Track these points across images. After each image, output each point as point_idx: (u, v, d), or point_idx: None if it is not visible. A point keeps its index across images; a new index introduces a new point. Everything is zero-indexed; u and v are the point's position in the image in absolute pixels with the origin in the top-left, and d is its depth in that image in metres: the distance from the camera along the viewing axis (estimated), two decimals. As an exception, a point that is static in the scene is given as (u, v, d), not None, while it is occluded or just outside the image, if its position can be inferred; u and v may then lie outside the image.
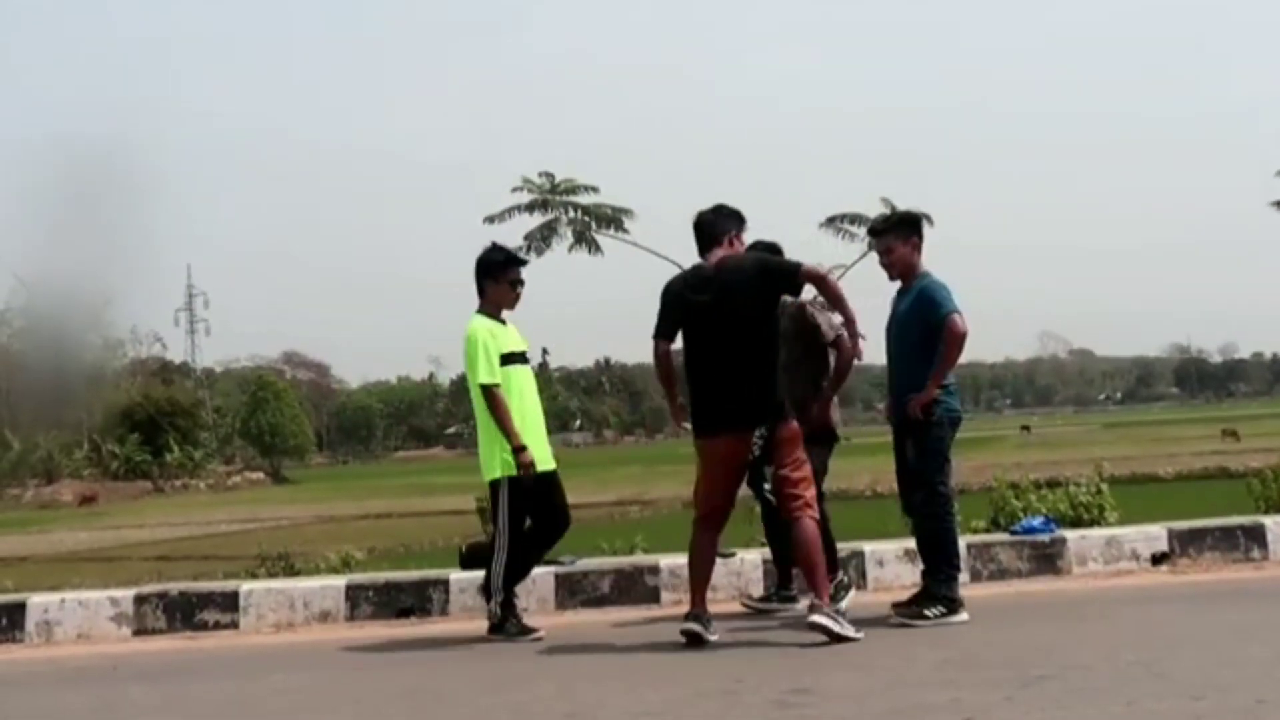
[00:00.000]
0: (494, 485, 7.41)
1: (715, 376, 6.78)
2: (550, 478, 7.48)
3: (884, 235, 7.43)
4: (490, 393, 7.31)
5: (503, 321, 7.59)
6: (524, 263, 7.83)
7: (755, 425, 6.66)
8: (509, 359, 7.45)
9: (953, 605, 6.92)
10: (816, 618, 6.43)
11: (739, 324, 6.73)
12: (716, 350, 6.77)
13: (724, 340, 6.74)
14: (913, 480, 7.20)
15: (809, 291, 7.27)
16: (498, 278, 7.58)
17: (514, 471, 7.27)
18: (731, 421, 6.73)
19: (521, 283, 7.63)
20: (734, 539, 8.74)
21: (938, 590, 6.98)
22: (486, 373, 7.33)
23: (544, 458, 7.44)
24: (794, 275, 6.84)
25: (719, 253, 6.96)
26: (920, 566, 7.29)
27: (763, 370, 6.72)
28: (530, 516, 7.43)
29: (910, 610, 6.94)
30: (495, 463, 7.35)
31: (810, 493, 6.75)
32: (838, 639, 6.35)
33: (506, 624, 7.30)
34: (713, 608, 7.77)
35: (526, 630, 7.27)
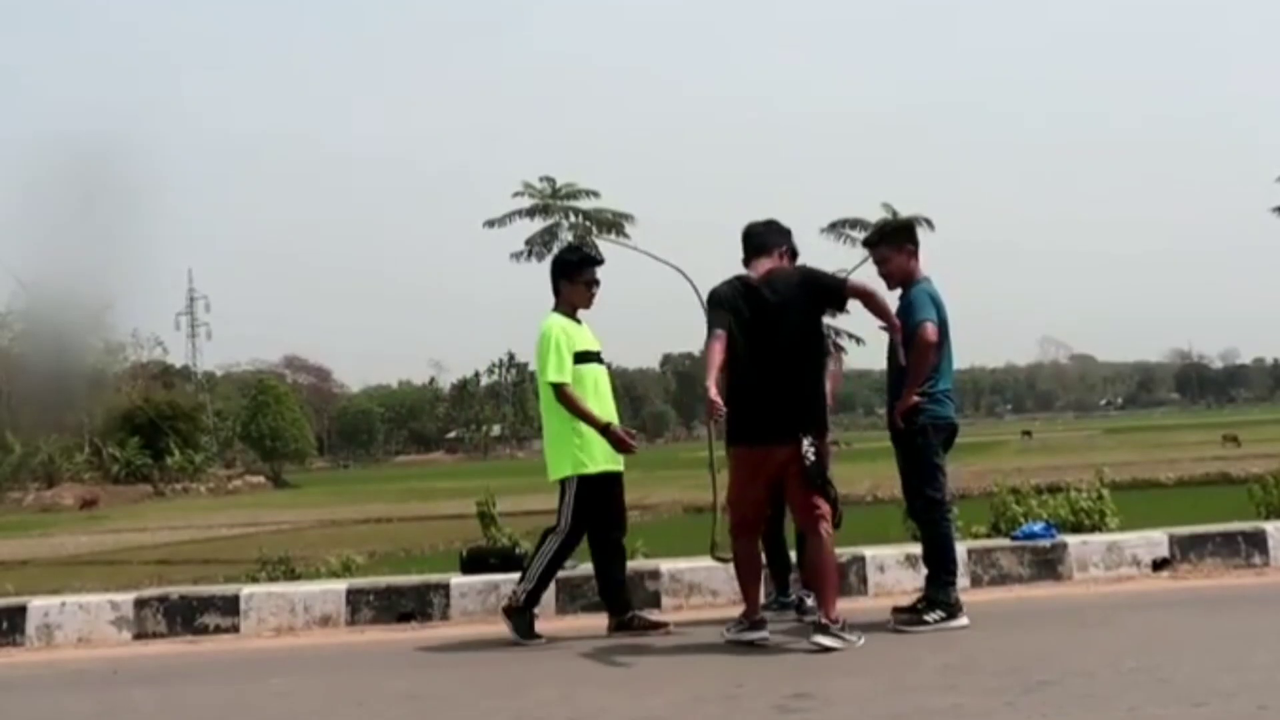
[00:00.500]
0: (563, 484, 7.46)
1: (760, 387, 6.77)
2: (616, 480, 7.53)
3: (877, 246, 7.51)
4: (560, 390, 7.37)
5: (578, 321, 7.65)
6: (599, 262, 7.87)
7: (798, 435, 6.67)
8: (583, 357, 7.52)
9: (951, 610, 6.94)
10: (818, 637, 6.45)
11: (787, 336, 6.76)
12: (763, 361, 6.77)
13: (771, 352, 6.75)
14: (905, 487, 7.24)
15: None
16: (573, 278, 7.66)
17: (584, 470, 7.35)
18: (773, 433, 6.74)
19: (597, 283, 7.70)
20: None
21: (936, 595, 6.99)
22: (555, 370, 7.38)
23: (613, 459, 7.47)
24: (839, 290, 6.89)
25: (766, 264, 7.00)
26: (924, 571, 7.29)
27: (809, 383, 6.77)
28: (591, 517, 7.46)
29: (910, 616, 6.94)
30: (565, 461, 7.41)
31: (826, 506, 6.76)
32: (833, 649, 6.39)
33: (522, 615, 7.32)
34: (715, 612, 7.81)
35: (532, 634, 7.28)
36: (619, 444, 7.36)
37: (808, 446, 6.65)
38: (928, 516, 7.12)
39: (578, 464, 7.36)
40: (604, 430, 7.32)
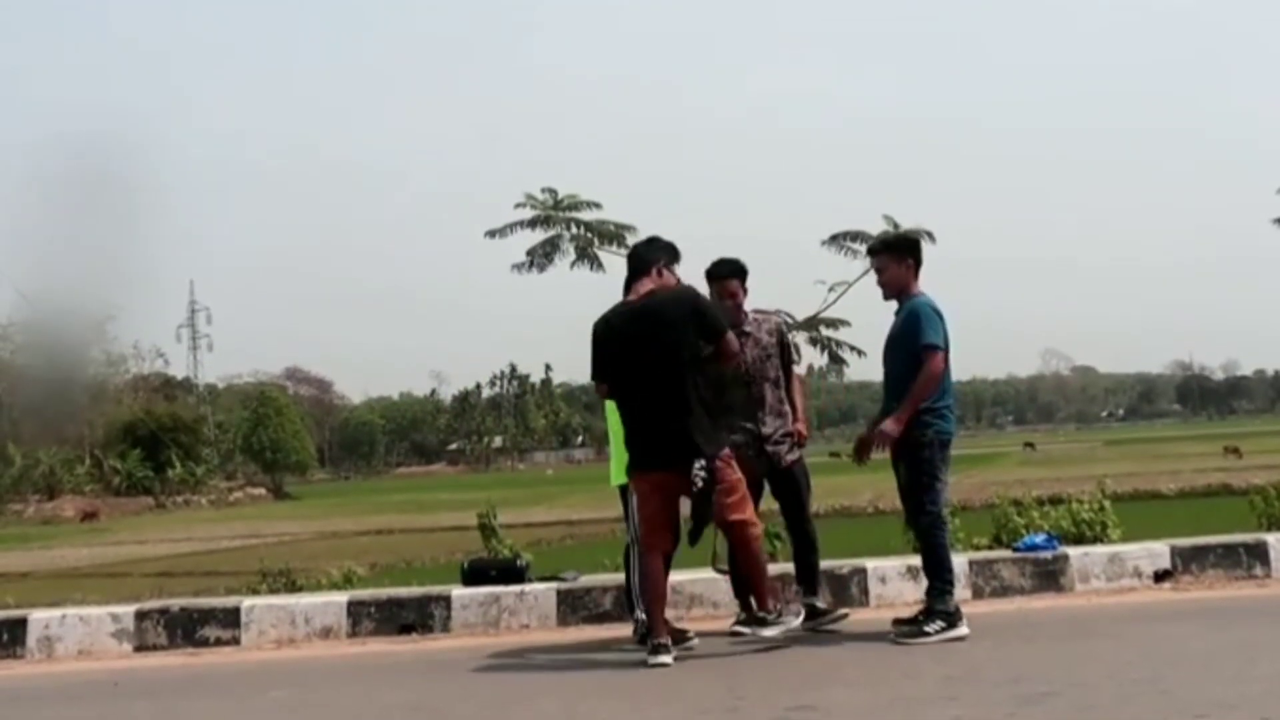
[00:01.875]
0: (623, 490, 7.46)
1: (644, 411, 6.84)
2: None
3: (879, 255, 7.57)
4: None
5: None
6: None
7: (689, 460, 6.67)
8: None
9: (952, 619, 6.94)
10: (761, 630, 6.64)
11: (662, 359, 6.76)
12: (644, 384, 6.82)
13: (648, 376, 6.79)
14: (905, 499, 7.27)
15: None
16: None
17: None
18: (661, 458, 6.78)
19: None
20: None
21: (935, 605, 7.01)
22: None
23: None
24: (717, 336, 6.85)
25: (646, 284, 7.00)
26: (925, 583, 7.30)
27: (691, 403, 6.75)
28: None
29: (911, 628, 6.94)
30: (622, 468, 7.31)
31: (748, 511, 6.80)
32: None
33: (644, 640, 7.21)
34: (717, 624, 7.79)
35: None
36: None
37: (697, 470, 6.66)
38: (928, 529, 7.13)
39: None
40: None
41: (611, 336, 6.92)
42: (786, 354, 7.75)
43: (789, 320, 10.62)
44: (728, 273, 7.61)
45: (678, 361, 6.75)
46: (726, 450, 6.84)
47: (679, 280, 7.18)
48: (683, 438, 6.70)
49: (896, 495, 7.47)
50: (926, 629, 6.88)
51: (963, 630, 6.89)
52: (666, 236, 7.30)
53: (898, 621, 7.09)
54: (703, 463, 6.64)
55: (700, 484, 6.64)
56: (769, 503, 7.85)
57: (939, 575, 7.09)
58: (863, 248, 12.26)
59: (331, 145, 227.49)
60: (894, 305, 7.41)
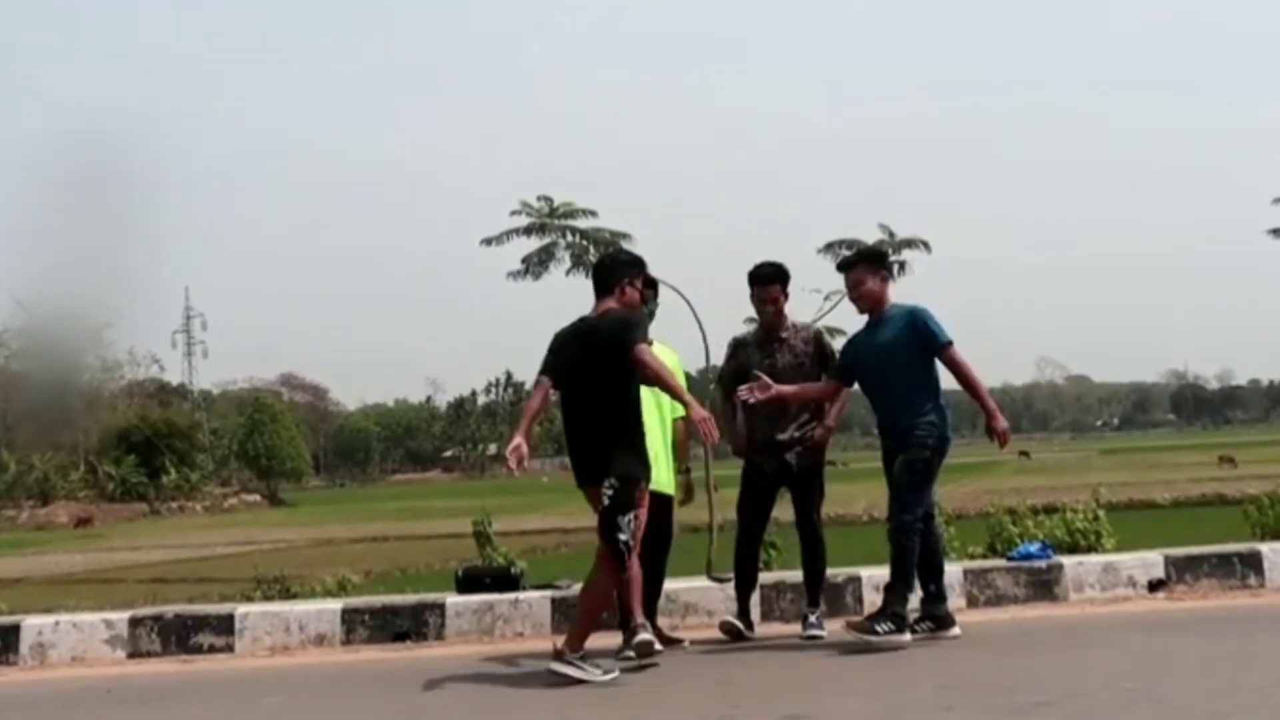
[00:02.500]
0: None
1: (578, 428, 6.93)
2: (663, 502, 7.46)
3: (854, 268, 7.56)
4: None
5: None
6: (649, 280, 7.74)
7: (601, 479, 6.74)
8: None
9: (901, 624, 6.99)
10: (553, 665, 6.56)
11: (599, 379, 6.82)
12: (577, 404, 6.93)
13: (588, 393, 6.86)
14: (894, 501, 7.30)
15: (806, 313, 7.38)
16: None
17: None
18: (585, 475, 6.90)
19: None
20: (729, 564, 8.72)
21: (892, 608, 7.04)
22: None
23: (663, 480, 7.42)
24: (627, 348, 6.80)
25: (606, 302, 7.03)
26: (919, 592, 7.31)
27: (616, 425, 6.80)
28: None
29: (863, 624, 7.04)
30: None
31: (611, 551, 6.74)
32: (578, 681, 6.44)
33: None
34: (712, 632, 7.81)
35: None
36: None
37: (605, 488, 6.72)
38: (906, 531, 7.15)
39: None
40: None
41: (563, 349, 6.95)
42: (827, 362, 7.76)
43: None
44: (768, 277, 7.66)
45: (609, 383, 6.80)
46: (643, 482, 6.84)
47: (642, 296, 7.24)
48: (602, 457, 6.78)
49: (886, 508, 7.49)
50: (876, 628, 6.95)
51: (906, 638, 6.96)
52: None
53: (850, 622, 7.18)
54: (612, 481, 6.69)
55: (607, 501, 6.70)
56: (781, 510, 7.90)
57: (904, 579, 7.13)
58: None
59: (327, 148, 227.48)
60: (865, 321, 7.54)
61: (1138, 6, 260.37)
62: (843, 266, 7.68)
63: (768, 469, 7.68)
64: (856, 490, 27.62)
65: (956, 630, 7.23)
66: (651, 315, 7.67)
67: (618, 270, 7.16)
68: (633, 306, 7.10)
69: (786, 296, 7.73)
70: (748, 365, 7.67)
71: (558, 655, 6.57)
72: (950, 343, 7.30)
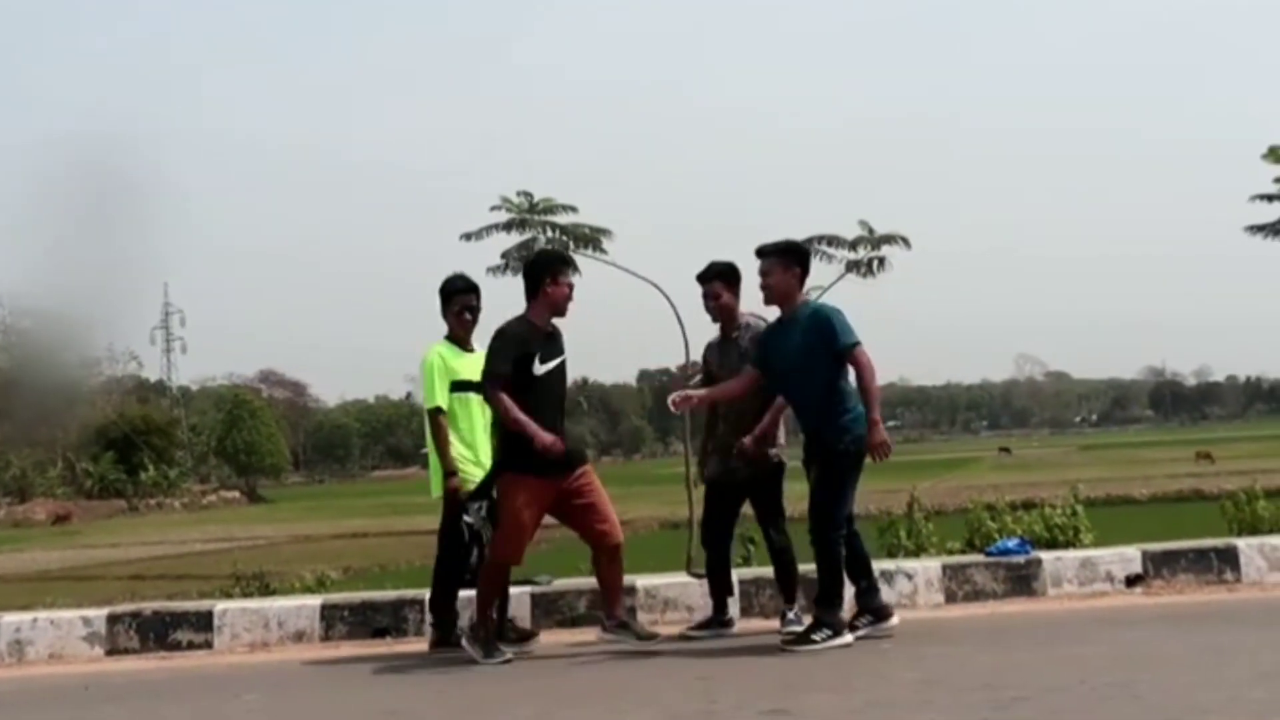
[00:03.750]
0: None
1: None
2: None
3: (766, 258, 7.32)
4: (432, 416, 7.58)
5: (468, 349, 7.69)
6: (473, 289, 7.87)
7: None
8: (462, 386, 7.59)
9: (837, 629, 6.97)
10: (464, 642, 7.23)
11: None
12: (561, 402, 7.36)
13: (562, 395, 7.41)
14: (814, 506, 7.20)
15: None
16: (447, 306, 7.75)
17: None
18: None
19: (471, 309, 7.75)
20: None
21: (824, 618, 6.99)
22: (429, 398, 7.59)
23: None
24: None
25: (534, 307, 7.26)
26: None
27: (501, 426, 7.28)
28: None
29: (799, 639, 6.98)
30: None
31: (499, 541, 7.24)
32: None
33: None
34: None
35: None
36: (450, 491, 7.58)
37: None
38: (830, 540, 7.05)
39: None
40: (446, 475, 7.57)
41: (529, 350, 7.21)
42: None
43: (763, 321, 10.64)
44: (705, 275, 7.63)
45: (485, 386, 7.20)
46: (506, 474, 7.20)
47: (570, 289, 7.36)
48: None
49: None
50: (814, 638, 6.91)
51: (848, 639, 6.96)
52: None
53: (784, 636, 7.15)
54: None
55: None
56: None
57: (833, 588, 7.04)
58: (836, 252, 12.25)
59: (310, 143, 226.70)
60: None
61: (1111, 8, 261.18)
62: (758, 253, 7.45)
63: (739, 476, 7.62)
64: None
65: (895, 620, 7.26)
66: (469, 310, 7.76)
67: (535, 272, 7.32)
68: (556, 304, 7.25)
69: (734, 294, 7.63)
70: (711, 368, 7.71)
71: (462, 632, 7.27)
72: (855, 344, 7.00)
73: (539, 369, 7.11)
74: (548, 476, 7.08)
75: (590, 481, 7.28)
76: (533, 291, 7.23)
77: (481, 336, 7.63)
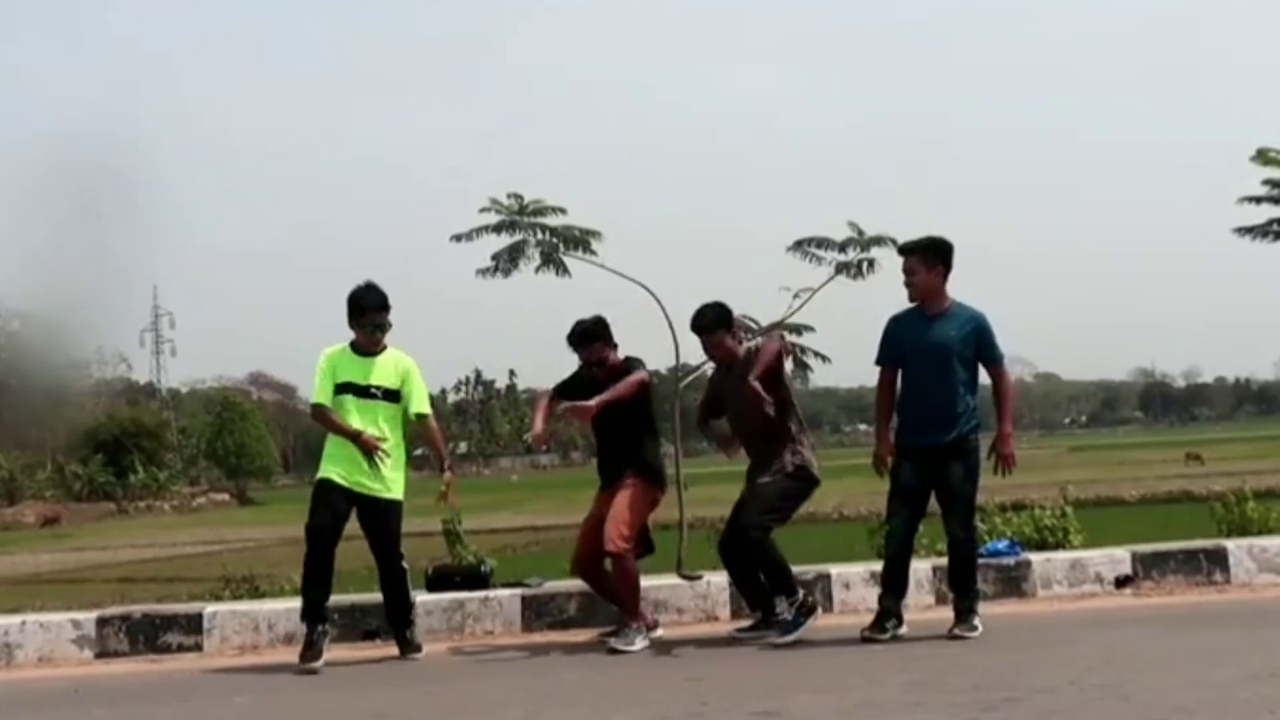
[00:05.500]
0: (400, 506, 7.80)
1: None
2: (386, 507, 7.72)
3: (910, 255, 7.46)
4: (313, 411, 7.76)
5: (370, 354, 7.66)
6: (382, 308, 7.73)
7: None
8: (345, 389, 7.62)
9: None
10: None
11: None
12: None
13: None
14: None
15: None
16: (354, 321, 7.69)
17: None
18: None
19: (379, 326, 7.68)
20: (699, 562, 8.75)
21: (972, 604, 7.32)
22: (314, 395, 7.73)
23: (379, 486, 7.65)
24: None
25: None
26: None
27: None
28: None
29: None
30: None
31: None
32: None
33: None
34: (682, 630, 7.83)
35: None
36: (366, 449, 7.55)
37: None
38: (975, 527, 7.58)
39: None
40: (353, 437, 7.57)
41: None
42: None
43: (753, 324, 10.63)
44: (706, 327, 7.74)
45: None
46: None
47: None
48: None
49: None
50: (975, 623, 7.17)
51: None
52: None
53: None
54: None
55: None
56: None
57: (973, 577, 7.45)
58: (826, 254, 12.23)
59: (297, 143, 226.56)
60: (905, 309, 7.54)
61: (1099, 9, 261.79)
62: (901, 250, 7.61)
63: None
64: (825, 488, 27.71)
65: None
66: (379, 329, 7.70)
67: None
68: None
69: (735, 337, 7.74)
70: (719, 391, 7.86)
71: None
72: (1003, 358, 7.50)
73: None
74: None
75: (616, 493, 7.55)
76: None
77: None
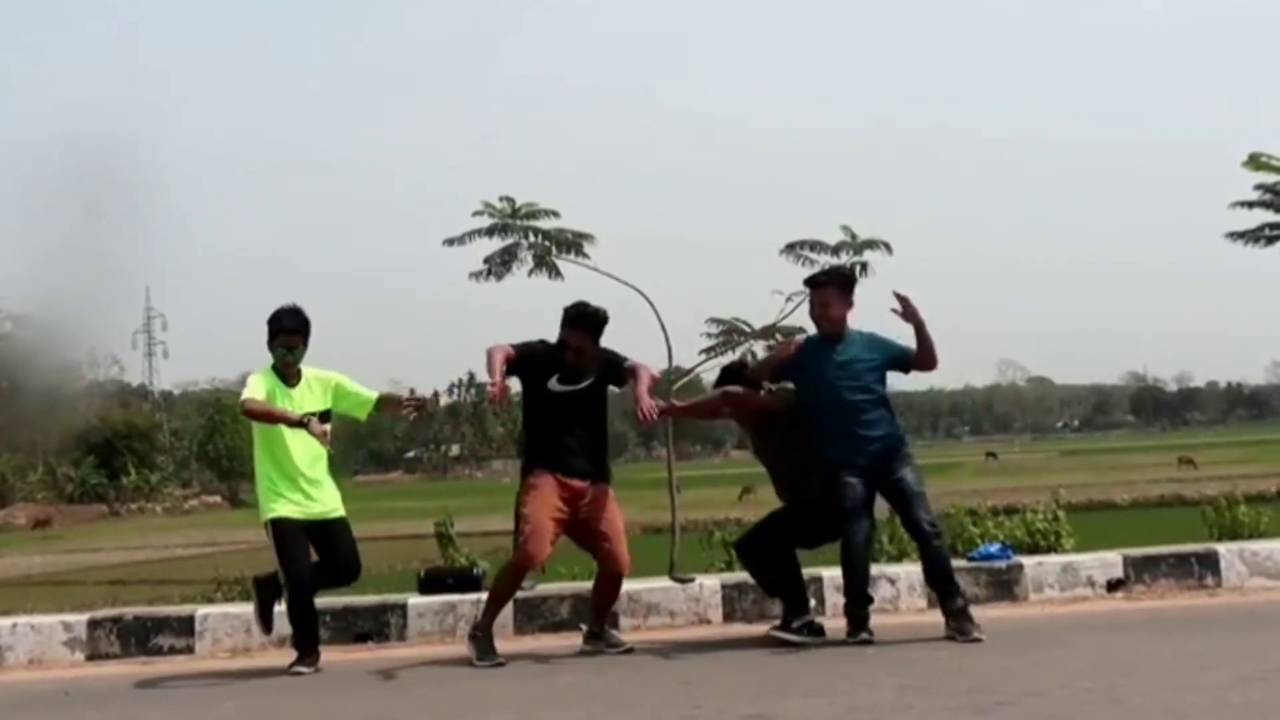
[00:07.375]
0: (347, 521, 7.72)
1: None
2: (339, 526, 7.62)
3: (824, 288, 7.62)
4: (247, 410, 7.39)
5: (290, 380, 7.53)
6: (288, 331, 7.59)
7: None
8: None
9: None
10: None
11: None
12: None
13: None
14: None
15: None
16: (270, 343, 7.58)
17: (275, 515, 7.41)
18: None
19: (289, 350, 7.54)
20: (692, 564, 8.76)
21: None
22: (247, 393, 7.43)
23: (330, 508, 7.59)
24: None
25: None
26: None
27: None
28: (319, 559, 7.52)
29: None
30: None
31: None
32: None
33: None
34: (674, 633, 7.82)
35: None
36: (315, 434, 7.26)
37: None
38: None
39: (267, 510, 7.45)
40: (299, 424, 7.22)
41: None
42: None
43: (746, 327, 10.66)
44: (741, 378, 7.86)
45: None
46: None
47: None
48: None
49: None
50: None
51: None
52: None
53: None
54: None
55: None
56: (745, 511, 7.87)
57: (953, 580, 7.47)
58: (818, 257, 12.26)
59: (292, 144, 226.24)
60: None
61: (1092, 16, 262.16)
62: (813, 283, 7.74)
63: None
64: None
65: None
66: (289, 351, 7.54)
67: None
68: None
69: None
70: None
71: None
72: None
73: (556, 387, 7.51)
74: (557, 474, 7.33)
75: (606, 505, 7.49)
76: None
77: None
